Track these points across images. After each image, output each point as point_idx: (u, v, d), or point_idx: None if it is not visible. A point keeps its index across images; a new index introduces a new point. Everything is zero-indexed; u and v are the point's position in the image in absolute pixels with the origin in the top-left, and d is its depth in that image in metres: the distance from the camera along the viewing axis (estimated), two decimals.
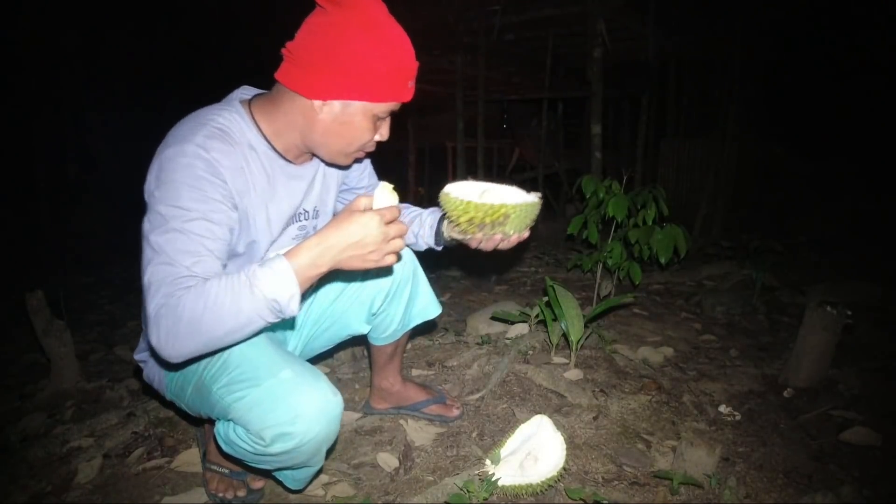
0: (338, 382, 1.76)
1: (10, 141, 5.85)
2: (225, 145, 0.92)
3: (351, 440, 1.44)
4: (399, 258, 0.93)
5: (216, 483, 1.23)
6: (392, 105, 0.97)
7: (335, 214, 1.24)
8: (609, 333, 2.03)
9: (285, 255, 0.82)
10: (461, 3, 4.27)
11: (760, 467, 1.32)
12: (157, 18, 6.70)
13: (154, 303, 0.81)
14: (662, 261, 2.14)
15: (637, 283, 2.26)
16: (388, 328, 1.38)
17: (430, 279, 1.43)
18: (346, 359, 1.92)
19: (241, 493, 1.21)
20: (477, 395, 1.63)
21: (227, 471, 1.24)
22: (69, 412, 1.73)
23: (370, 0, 0.91)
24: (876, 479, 1.29)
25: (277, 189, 1.03)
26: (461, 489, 1.18)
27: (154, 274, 0.83)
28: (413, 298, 1.37)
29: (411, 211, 1.34)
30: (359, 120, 0.95)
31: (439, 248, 1.29)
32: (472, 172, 5.24)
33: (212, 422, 1.12)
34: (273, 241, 1.06)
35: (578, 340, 1.70)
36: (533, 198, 1.08)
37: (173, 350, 0.81)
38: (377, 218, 0.84)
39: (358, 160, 1.10)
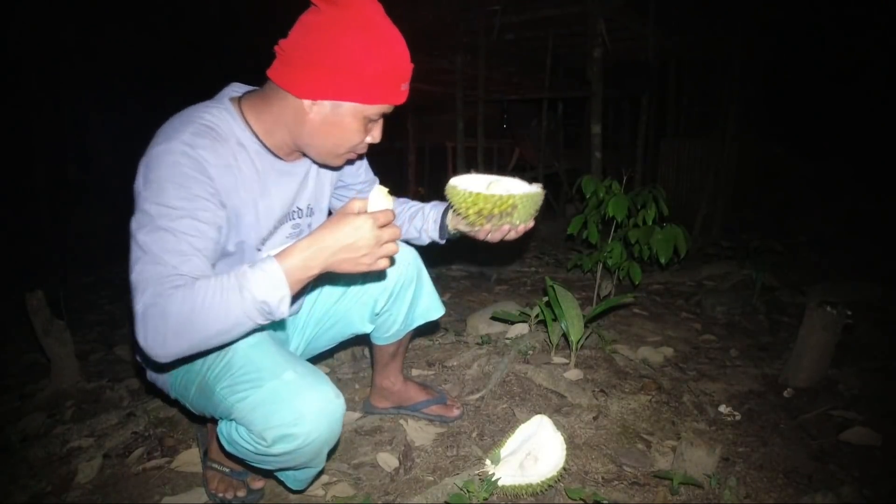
0: (338, 382, 1.76)
1: (10, 141, 5.85)
2: (212, 142, 0.91)
3: (351, 440, 1.44)
4: (392, 262, 0.92)
5: (217, 482, 1.23)
6: (384, 107, 0.95)
7: (331, 213, 1.24)
8: (609, 333, 2.03)
9: (276, 256, 0.81)
10: (461, 3, 4.27)
11: (760, 467, 1.32)
12: (158, 18, 6.70)
13: (141, 302, 0.80)
14: (662, 261, 2.14)
15: (637, 283, 2.26)
16: (391, 328, 1.37)
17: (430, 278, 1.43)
18: (346, 359, 1.92)
19: (241, 494, 1.21)
20: (477, 395, 1.63)
21: (227, 470, 1.24)
22: (69, 412, 1.73)
23: (366, 0, 0.90)
24: (876, 479, 1.29)
25: (268, 186, 1.02)
26: (461, 489, 1.18)
27: (141, 273, 0.82)
28: (416, 299, 1.37)
29: (412, 206, 1.33)
30: (349, 121, 0.93)
31: (442, 242, 1.30)
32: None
33: (215, 421, 1.12)
34: (264, 239, 1.04)
35: (578, 340, 1.70)
36: (536, 188, 1.10)
37: (161, 350, 0.80)
38: (370, 221, 0.83)
39: (350, 161, 1.09)
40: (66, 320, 1.87)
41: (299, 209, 1.11)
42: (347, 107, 0.92)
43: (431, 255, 1.41)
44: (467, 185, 1.08)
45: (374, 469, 1.32)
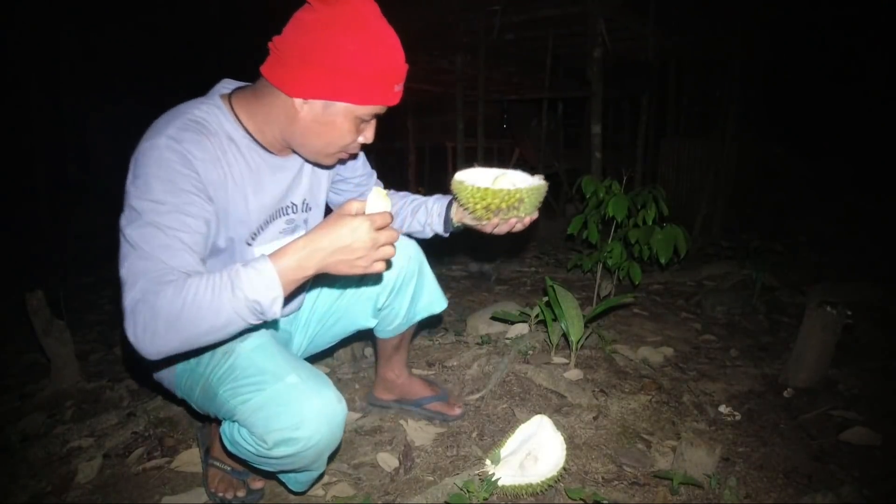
0: (338, 382, 1.76)
1: (10, 141, 5.85)
2: (198, 136, 0.90)
3: (351, 440, 1.44)
4: (389, 266, 0.92)
5: (217, 481, 1.23)
6: (377, 108, 0.94)
7: (329, 208, 1.25)
8: (609, 333, 2.03)
9: (270, 256, 0.80)
10: (461, 3, 4.27)
11: (760, 467, 1.32)
12: (157, 17, 6.70)
13: (130, 296, 0.79)
14: (662, 261, 2.14)
15: (637, 283, 2.26)
16: (394, 321, 1.37)
17: None
18: (346, 359, 1.92)
19: (241, 494, 1.21)
20: (477, 395, 1.63)
21: (229, 468, 1.24)
22: (69, 412, 1.73)
23: None
24: (876, 479, 1.29)
25: (260, 181, 1.01)
26: (461, 489, 1.18)
27: (130, 269, 0.81)
28: (419, 293, 1.36)
29: (414, 200, 1.34)
30: (340, 121, 0.93)
31: (446, 235, 1.30)
32: None
33: (219, 420, 1.12)
34: (254, 234, 1.04)
35: (578, 340, 1.70)
36: (539, 180, 1.12)
37: (151, 347, 0.78)
38: (367, 223, 0.82)
39: (342, 161, 1.08)
40: (66, 320, 1.87)
41: (293, 204, 1.10)
42: (339, 107, 0.91)
43: (430, 255, 1.41)
44: (474, 180, 1.09)
45: (374, 469, 1.32)
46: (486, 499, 1.15)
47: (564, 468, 1.20)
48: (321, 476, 1.17)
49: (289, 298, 0.83)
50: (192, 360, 1.05)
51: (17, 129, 5.94)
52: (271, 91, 0.93)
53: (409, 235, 1.34)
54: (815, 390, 1.69)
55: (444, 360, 1.86)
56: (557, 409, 1.54)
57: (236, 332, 0.82)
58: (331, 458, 1.31)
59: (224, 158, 0.94)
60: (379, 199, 0.89)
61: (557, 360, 1.79)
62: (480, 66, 4.62)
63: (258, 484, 1.25)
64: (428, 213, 1.28)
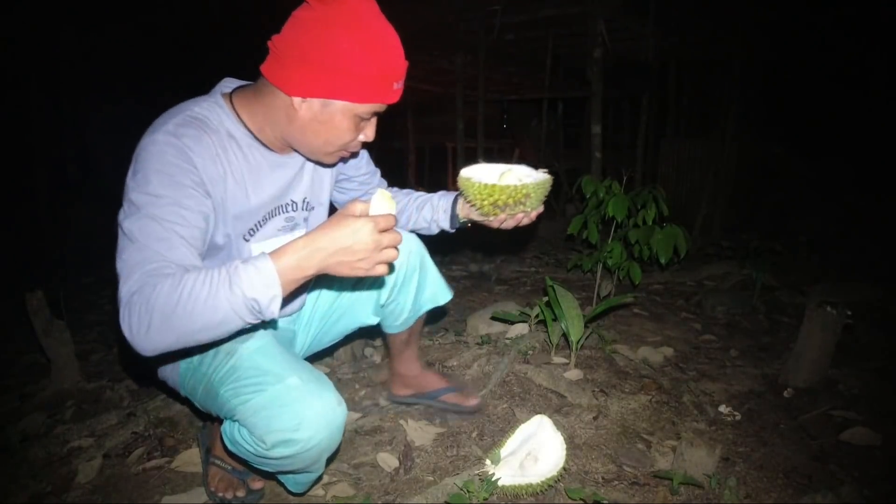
0: (338, 382, 1.76)
1: (10, 141, 5.85)
2: (198, 132, 0.90)
3: (351, 440, 1.44)
4: (392, 269, 0.91)
5: (217, 480, 1.23)
6: (376, 106, 0.94)
7: (333, 207, 1.25)
8: (609, 333, 2.03)
9: (271, 254, 0.79)
10: (461, 3, 4.27)
11: (760, 467, 1.32)
12: (158, 16, 6.70)
13: (125, 288, 0.78)
14: (662, 261, 2.14)
15: (637, 283, 2.26)
16: (400, 316, 1.38)
17: None
18: (347, 358, 1.92)
19: (241, 494, 1.21)
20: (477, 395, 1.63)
21: (229, 467, 1.24)
22: (69, 412, 1.73)
23: None
24: (876, 479, 1.29)
25: (260, 178, 1.01)
26: (461, 489, 1.18)
27: (127, 261, 0.81)
28: (422, 286, 1.36)
29: (420, 197, 1.34)
30: (339, 119, 0.92)
31: (453, 231, 1.31)
32: None
33: (222, 420, 1.12)
34: (252, 230, 1.04)
35: (578, 340, 1.70)
36: (544, 175, 1.13)
37: (145, 342, 0.77)
38: (370, 225, 0.80)
39: (343, 159, 1.08)
40: (66, 320, 1.87)
41: (293, 202, 1.10)
42: (337, 105, 0.91)
43: (430, 255, 1.41)
44: (480, 176, 1.10)
45: (374, 469, 1.32)
46: (486, 499, 1.15)
47: (564, 468, 1.20)
48: (320, 478, 1.17)
49: (288, 299, 0.82)
50: (196, 360, 1.05)
51: (16, 129, 5.93)
52: (271, 90, 0.94)
53: (415, 232, 1.35)
54: (815, 390, 1.69)
55: (444, 360, 1.86)
56: (557, 409, 1.54)
57: (233, 331, 0.80)
58: (331, 459, 1.31)
59: (224, 155, 0.95)
60: (383, 201, 0.88)
61: (557, 360, 1.79)
62: (480, 66, 4.62)
63: (258, 484, 1.25)
64: (434, 210, 1.29)
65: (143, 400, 1.74)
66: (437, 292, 1.41)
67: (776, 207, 4.77)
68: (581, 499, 1.16)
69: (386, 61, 0.90)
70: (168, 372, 1.14)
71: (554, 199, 5.36)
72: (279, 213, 1.08)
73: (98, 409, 1.75)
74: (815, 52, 5.58)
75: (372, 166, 1.32)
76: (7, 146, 5.81)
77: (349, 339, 1.48)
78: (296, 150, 1.04)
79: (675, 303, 2.58)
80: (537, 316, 1.93)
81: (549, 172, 1.16)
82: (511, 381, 1.68)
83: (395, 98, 0.95)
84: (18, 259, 4.29)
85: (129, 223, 0.83)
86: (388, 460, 1.34)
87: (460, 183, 1.10)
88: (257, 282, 0.76)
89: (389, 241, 0.83)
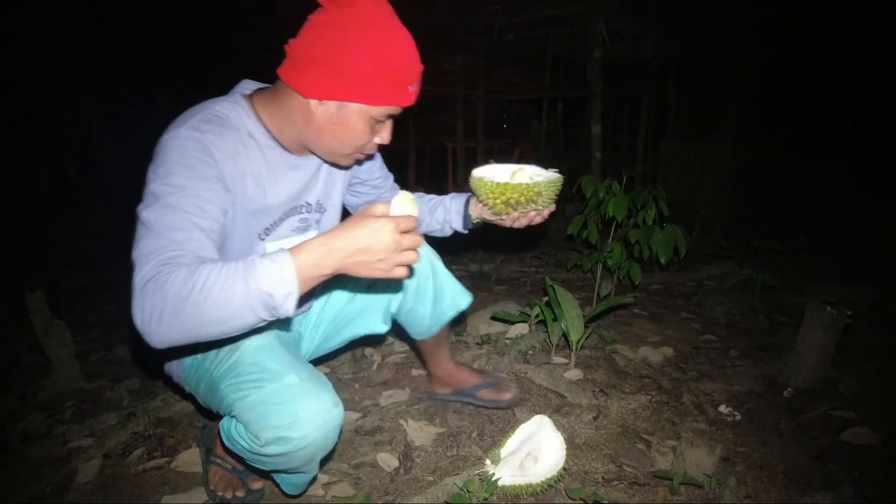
0: (338, 382, 1.76)
1: (11, 140, 5.86)
2: (220, 128, 0.92)
3: (351, 440, 1.44)
4: (411, 273, 0.91)
5: (217, 479, 1.23)
6: (391, 109, 0.95)
7: (346, 210, 1.26)
8: (609, 333, 2.03)
9: (290, 250, 0.78)
10: (461, 3, 4.27)
11: (760, 467, 1.32)
12: (161, 18, 6.70)
13: (140, 275, 0.77)
14: (662, 261, 2.14)
15: (637, 283, 2.26)
16: (421, 324, 1.38)
17: None
18: (347, 359, 1.92)
19: (240, 494, 1.22)
20: None
21: (230, 467, 1.25)
22: (69, 412, 1.73)
23: (373, 0, 0.90)
24: (876, 479, 1.29)
25: (277, 178, 1.03)
26: (461, 489, 1.18)
27: (143, 248, 0.80)
28: (440, 294, 1.36)
29: (431, 199, 1.35)
30: (354, 122, 0.94)
31: (466, 232, 1.32)
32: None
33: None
34: (268, 229, 1.05)
35: (578, 340, 1.71)
36: (555, 174, 1.14)
37: (156, 330, 0.75)
38: (391, 226, 0.79)
39: (359, 161, 1.10)
40: (66, 320, 1.87)
41: (308, 203, 1.12)
42: (353, 107, 0.92)
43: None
44: (492, 176, 1.11)
45: (374, 469, 1.32)
46: (486, 499, 1.15)
47: (564, 468, 1.20)
48: (314, 480, 1.16)
49: (303, 298, 0.81)
50: (200, 356, 1.06)
51: (16, 129, 5.94)
52: (288, 93, 0.95)
53: (427, 235, 1.35)
54: (815, 390, 1.69)
55: None
56: (557, 409, 1.54)
57: (245, 327, 0.78)
58: (326, 460, 1.32)
59: (244, 153, 0.96)
60: (405, 202, 0.87)
61: (557, 360, 1.79)
62: (480, 67, 4.63)
63: (258, 484, 1.25)
64: (446, 211, 1.30)
65: (143, 400, 1.74)
66: (457, 298, 1.40)
67: (776, 207, 4.77)
68: (581, 499, 1.16)
69: (400, 64, 0.91)
70: (173, 367, 1.15)
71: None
72: (294, 214, 1.10)
73: (98, 409, 1.75)
74: (815, 52, 5.58)
75: (385, 170, 1.33)
76: (7, 146, 5.81)
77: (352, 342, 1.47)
78: (312, 152, 1.05)
79: (675, 303, 2.58)
80: (537, 316, 1.93)
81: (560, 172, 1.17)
82: (511, 381, 1.68)
83: (409, 101, 0.96)
84: (18, 259, 4.29)
85: (147, 212, 0.83)
86: (388, 460, 1.34)
87: (472, 182, 1.11)
88: (274, 276, 0.75)
89: (410, 243, 0.82)
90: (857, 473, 1.31)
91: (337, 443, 1.30)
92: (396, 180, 1.40)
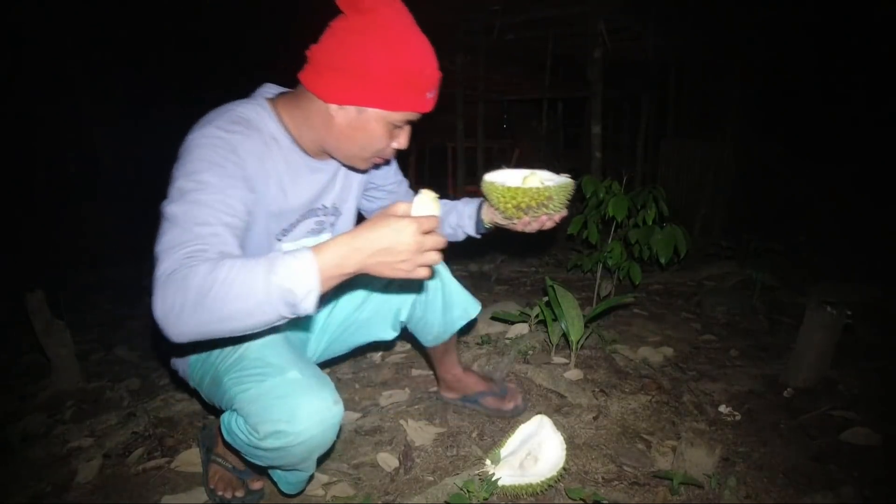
0: (338, 382, 1.76)
1: (11, 140, 5.86)
2: (246, 129, 0.94)
3: (351, 440, 1.44)
4: (433, 274, 0.91)
5: (217, 478, 1.24)
6: (409, 115, 0.97)
7: (361, 214, 1.28)
8: (609, 333, 2.03)
9: (312, 248, 0.78)
10: (461, 3, 4.27)
11: (760, 467, 1.32)
12: (162, 18, 6.70)
13: (163, 268, 0.77)
14: (662, 261, 2.14)
15: (637, 283, 2.26)
16: (431, 332, 1.39)
17: None
18: (346, 358, 1.92)
19: (239, 494, 1.22)
20: None
21: (230, 466, 1.25)
22: (69, 412, 1.73)
23: (392, 7, 0.92)
24: (876, 479, 1.29)
25: (299, 180, 1.05)
26: (461, 489, 1.18)
27: (167, 242, 0.80)
28: (449, 303, 1.36)
29: (444, 203, 1.35)
30: (373, 126, 0.96)
31: (479, 237, 1.33)
32: (472, 173, 5.24)
33: None
34: (286, 230, 1.07)
35: (578, 340, 1.71)
36: (566, 178, 1.15)
37: (176, 322, 0.74)
38: (414, 226, 0.79)
39: (376, 166, 1.12)
40: (66, 320, 1.87)
41: (324, 206, 1.14)
42: (372, 113, 0.94)
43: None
44: (504, 180, 1.12)
45: (374, 469, 1.32)
46: (486, 499, 1.15)
47: (564, 468, 1.20)
48: (310, 479, 1.16)
49: (324, 298, 0.80)
50: (205, 352, 1.08)
51: (17, 129, 5.94)
52: (309, 97, 0.97)
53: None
54: (815, 390, 1.69)
55: None
56: (557, 409, 1.54)
57: (264, 324, 0.77)
58: (326, 457, 1.32)
59: (267, 154, 0.98)
60: (428, 202, 0.87)
61: (557, 360, 1.79)
62: (480, 67, 4.62)
63: (258, 484, 1.25)
64: (459, 216, 1.31)
65: (143, 400, 1.74)
66: (467, 307, 1.40)
67: (776, 207, 4.78)
68: (581, 499, 1.16)
69: (419, 70, 0.93)
70: (179, 363, 1.17)
71: None
72: (311, 216, 1.11)
73: (98, 409, 1.75)
74: (815, 52, 5.58)
75: (400, 175, 1.35)
76: (8, 146, 5.81)
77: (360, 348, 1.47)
78: (331, 156, 1.07)
79: (675, 303, 2.58)
80: (537, 316, 1.93)
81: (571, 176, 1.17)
82: (511, 381, 1.68)
83: (427, 107, 0.98)
84: (18, 259, 4.29)
85: (172, 207, 0.83)
86: (388, 460, 1.34)
87: (484, 187, 1.13)
88: (296, 273, 0.74)
89: (432, 244, 0.82)
90: (857, 473, 1.31)
91: (335, 442, 1.30)
92: None
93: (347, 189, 1.19)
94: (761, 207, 4.83)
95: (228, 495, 1.21)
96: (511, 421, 1.49)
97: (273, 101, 1.03)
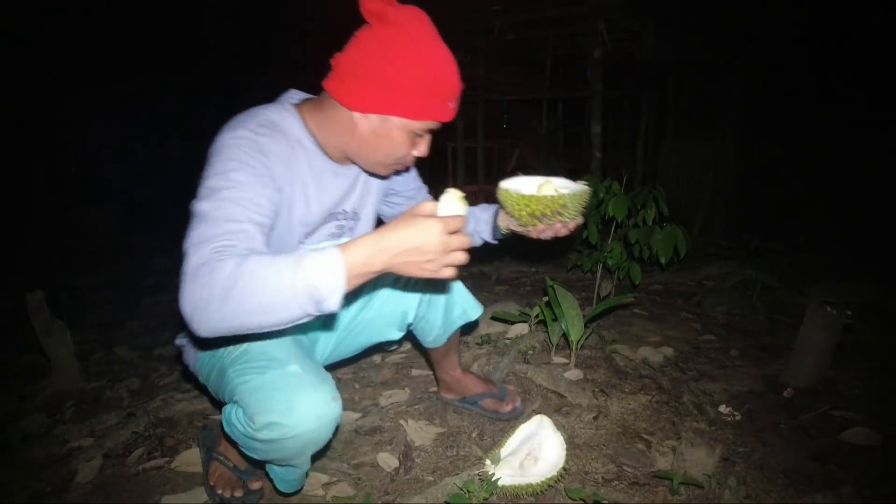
0: (338, 382, 1.76)
1: (10, 140, 5.86)
2: (274, 132, 0.97)
3: (351, 440, 1.44)
4: (458, 274, 0.91)
5: (217, 476, 1.24)
6: (430, 124, 0.99)
7: (380, 220, 1.29)
8: (609, 333, 2.03)
9: (339, 247, 0.78)
10: (461, 3, 4.27)
11: (760, 467, 1.32)
12: (158, 17, 6.70)
13: (192, 261, 0.78)
14: (662, 261, 2.14)
15: (637, 283, 2.26)
16: (431, 332, 1.39)
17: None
18: None
19: (239, 494, 1.22)
20: None
21: (231, 465, 1.25)
22: (69, 412, 1.73)
23: (416, 18, 0.94)
24: (876, 479, 1.29)
25: (321, 184, 1.07)
26: (461, 489, 1.18)
27: (197, 237, 0.81)
28: (451, 304, 1.37)
29: None
30: (396, 135, 0.98)
31: (495, 243, 1.34)
32: (471, 173, 5.25)
33: None
34: (308, 233, 1.09)
35: (578, 340, 1.71)
36: (582, 186, 1.16)
37: (202, 315, 0.75)
38: (440, 226, 0.79)
39: (397, 172, 1.14)
40: (66, 320, 1.87)
41: (344, 211, 1.16)
42: (395, 121, 0.96)
43: None
44: (519, 187, 1.13)
45: (374, 469, 1.32)
46: (486, 499, 1.15)
47: (564, 468, 1.20)
48: (305, 476, 1.16)
49: (349, 296, 0.80)
50: (214, 348, 1.09)
51: (16, 129, 5.94)
52: (333, 104, 0.99)
53: None
54: (815, 390, 1.69)
55: None
56: (557, 409, 1.54)
57: (289, 320, 0.78)
58: (322, 455, 1.32)
59: (293, 157, 1.01)
60: (454, 201, 0.88)
61: (557, 360, 1.79)
62: (480, 66, 4.62)
63: (257, 484, 1.25)
64: (476, 222, 1.32)
65: (143, 400, 1.74)
66: (468, 308, 1.41)
67: (776, 207, 4.77)
68: (581, 499, 1.16)
69: (441, 81, 0.95)
70: (190, 357, 1.19)
71: None
72: (331, 220, 1.13)
73: (98, 409, 1.75)
74: (815, 51, 5.58)
75: (419, 182, 1.36)
76: (6, 145, 5.81)
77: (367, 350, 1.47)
78: (353, 162, 1.09)
79: (675, 303, 2.58)
80: (537, 316, 1.93)
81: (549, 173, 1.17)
82: (511, 381, 1.68)
83: (449, 117, 0.99)
84: (18, 259, 4.29)
85: (203, 204, 0.85)
86: (388, 460, 1.34)
87: (500, 194, 1.14)
88: (323, 270, 0.75)
89: (458, 244, 0.82)
90: (857, 473, 1.31)
91: (333, 441, 1.30)
92: None
93: (366, 194, 1.21)
94: (761, 207, 4.83)
95: (227, 494, 1.21)
96: (511, 421, 1.49)
97: (298, 106, 1.06)
